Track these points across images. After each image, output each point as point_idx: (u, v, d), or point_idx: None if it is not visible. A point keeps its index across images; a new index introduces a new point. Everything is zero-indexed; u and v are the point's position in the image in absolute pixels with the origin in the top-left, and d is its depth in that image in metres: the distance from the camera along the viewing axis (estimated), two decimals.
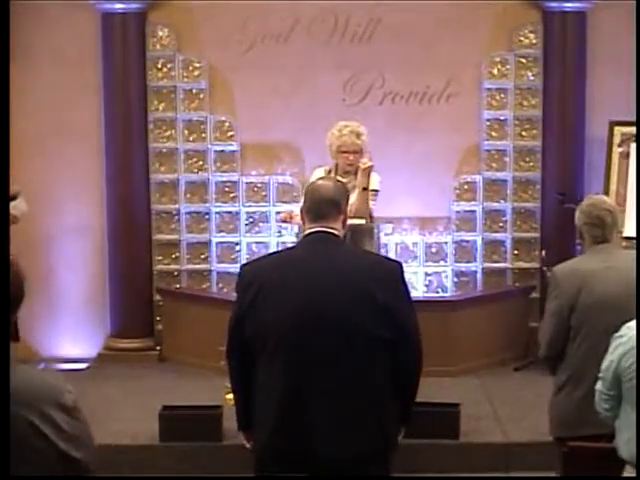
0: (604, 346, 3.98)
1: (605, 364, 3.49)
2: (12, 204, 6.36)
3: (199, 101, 7.57)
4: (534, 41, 7.50)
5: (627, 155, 7.10)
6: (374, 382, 3.47)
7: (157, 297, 7.61)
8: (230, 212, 7.65)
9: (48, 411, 2.63)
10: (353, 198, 5.30)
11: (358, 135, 5.91)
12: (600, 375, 3.54)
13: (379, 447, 3.50)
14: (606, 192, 6.94)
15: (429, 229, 7.64)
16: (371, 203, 5.93)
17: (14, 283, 2.73)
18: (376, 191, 5.95)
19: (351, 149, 5.89)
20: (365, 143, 5.93)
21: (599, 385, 3.53)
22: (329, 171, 5.98)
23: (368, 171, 5.77)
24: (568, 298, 4.16)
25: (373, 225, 6.01)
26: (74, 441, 2.69)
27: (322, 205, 3.56)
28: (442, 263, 7.65)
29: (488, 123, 7.58)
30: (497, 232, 7.66)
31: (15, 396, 2.59)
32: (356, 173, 5.93)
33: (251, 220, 7.65)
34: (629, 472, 3.42)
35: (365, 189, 5.76)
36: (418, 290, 7.49)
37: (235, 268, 7.20)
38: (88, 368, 7.34)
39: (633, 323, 3.44)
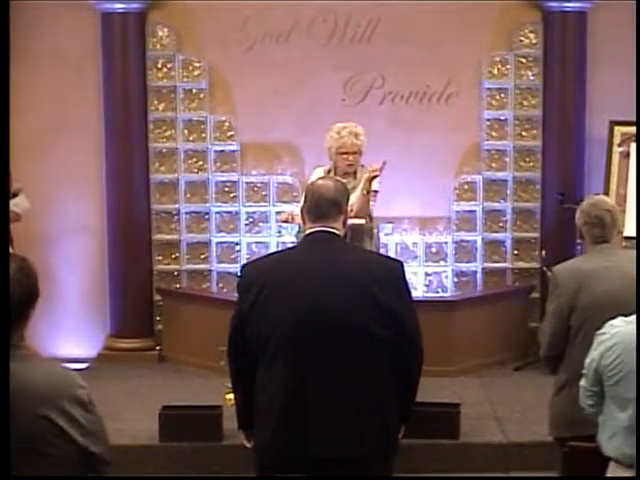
0: None
1: (588, 361, 3.52)
2: (14, 201, 6.37)
3: (199, 101, 7.57)
4: (534, 41, 7.50)
5: (627, 155, 7.10)
6: (375, 382, 3.47)
7: (157, 297, 7.61)
8: (230, 212, 7.65)
9: (67, 407, 2.66)
10: (353, 199, 5.30)
11: (357, 135, 5.91)
12: (583, 372, 3.56)
13: (380, 447, 3.51)
14: (606, 192, 6.95)
15: (429, 229, 7.64)
16: (371, 203, 5.93)
17: (29, 280, 2.70)
18: (375, 192, 5.95)
19: (351, 150, 5.89)
20: (364, 143, 5.93)
21: (583, 381, 3.56)
22: (328, 171, 5.98)
23: (376, 175, 5.71)
24: (568, 298, 4.17)
25: (373, 225, 6.01)
26: (92, 436, 2.71)
27: (323, 205, 3.56)
28: (442, 263, 7.65)
29: (488, 123, 7.58)
30: (497, 232, 7.66)
31: (35, 392, 2.61)
32: (355, 173, 5.93)
33: (251, 220, 7.65)
34: (613, 469, 3.43)
35: (368, 192, 5.75)
36: (418, 290, 7.49)
37: (235, 268, 7.21)
38: (88, 368, 7.33)
39: (616, 321, 3.45)
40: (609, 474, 3.45)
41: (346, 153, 5.89)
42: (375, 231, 6.10)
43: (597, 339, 3.48)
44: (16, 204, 6.42)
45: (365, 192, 5.71)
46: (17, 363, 2.61)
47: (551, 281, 4.39)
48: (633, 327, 3.38)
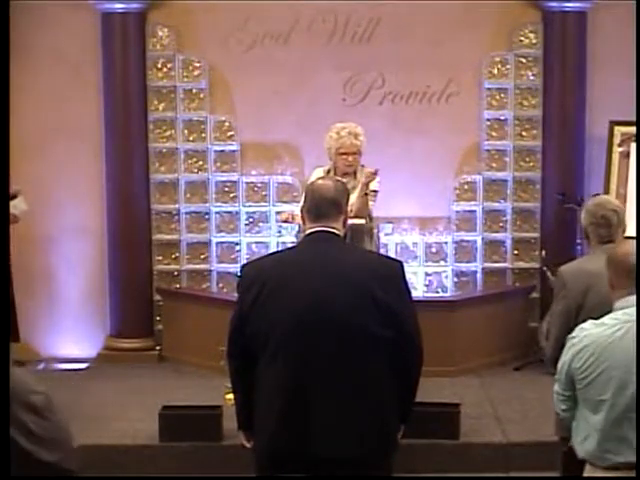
0: None
1: (559, 365, 3.51)
2: (12, 203, 6.38)
3: (199, 101, 7.57)
4: (534, 41, 7.50)
5: (627, 155, 7.09)
6: (375, 381, 3.47)
7: (157, 297, 7.61)
8: (230, 212, 7.65)
9: (16, 413, 2.55)
10: (353, 199, 5.30)
11: (356, 136, 5.90)
12: (556, 377, 3.55)
13: (380, 447, 3.51)
14: (606, 192, 6.94)
15: (429, 229, 7.64)
16: (370, 203, 5.93)
17: None
18: (375, 192, 5.95)
19: (350, 150, 5.89)
20: (363, 143, 5.93)
21: (556, 386, 3.56)
22: (328, 171, 5.98)
23: (370, 179, 5.74)
24: (575, 298, 4.16)
25: (373, 225, 6.01)
26: (44, 443, 2.59)
27: (323, 205, 3.56)
28: (442, 263, 7.65)
29: (488, 123, 7.58)
30: (497, 232, 7.66)
31: None
32: (355, 173, 5.93)
33: (251, 220, 7.65)
34: (589, 471, 3.43)
35: (366, 194, 5.76)
36: (418, 290, 7.49)
37: (235, 268, 7.21)
38: (88, 368, 7.34)
39: (586, 324, 3.46)
40: (585, 475, 3.46)
41: (345, 153, 5.89)
42: (375, 231, 6.10)
43: (568, 343, 3.48)
44: (14, 206, 6.43)
45: (363, 195, 5.72)
46: None
47: (557, 281, 4.37)
48: (602, 329, 3.38)
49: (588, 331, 3.41)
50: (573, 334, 3.47)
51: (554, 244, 7.29)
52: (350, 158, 5.89)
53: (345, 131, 5.90)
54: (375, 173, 5.70)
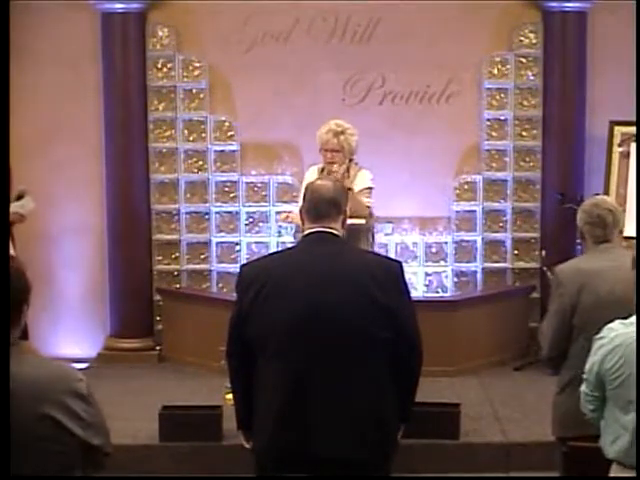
0: None
1: (588, 366, 3.50)
2: (19, 203, 6.39)
3: (199, 101, 7.57)
4: (534, 41, 7.50)
5: (627, 155, 7.09)
6: (374, 382, 3.47)
7: (157, 297, 7.61)
8: (230, 212, 7.65)
9: (67, 402, 2.65)
10: None
11: (337, 134, 5.87)
12: (584, 377, 3.55)
13: (380, 447, 3.50)
14: (606, 192, 6.95)
15: (429, 229, 7.64)
16: (369, 201, 5.92)
17: (19, 283, 2.69)
18: (370, 188, 5.95)
19: (329, 147, 5.89)
20: (349, 142, 5.87)
21: (583, 387, 3.55)
22: (322, 169, 5.97)
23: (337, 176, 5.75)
24: (570, 297, 4.17)
25: (369, 225, 5.99)
26: (93, 428, 2.71)
27: (322, 205, 3.56)
28: (442, 263, 7.65)
29: (488, 123, 7.58)
30: (497, 232, 7.66)
31: (34, 391, 2.60)
32: (348, 171, 5.93)
33: (251, 220, 7.65)
34: (615, 471, 3.43)
35: (350, 189, 5.75)
36: (418, 290, 7.49)
37: (235, 268, 7.20)
38: (88, 368, 7.32)
39: (614, 324, 3.45)
40: (612, 475, 3.45)
41: (326, 150, 5.90)
42: (372, 231, 6.08)
43: (596, 344, 3.47)
44: (22, 206, 6.43)
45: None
46: (12, 362, 2.60)
47: (553, 281, 4.39)
48: (631, 329, 3.37)
49: (617, 331, 3.40)
50: (602, 334, 3.45)
51: (554, 244, 7.29)
52: (329, 155, 5.89)
53: (327, 128, 5.90)
54: (337, 177, 5.70)
